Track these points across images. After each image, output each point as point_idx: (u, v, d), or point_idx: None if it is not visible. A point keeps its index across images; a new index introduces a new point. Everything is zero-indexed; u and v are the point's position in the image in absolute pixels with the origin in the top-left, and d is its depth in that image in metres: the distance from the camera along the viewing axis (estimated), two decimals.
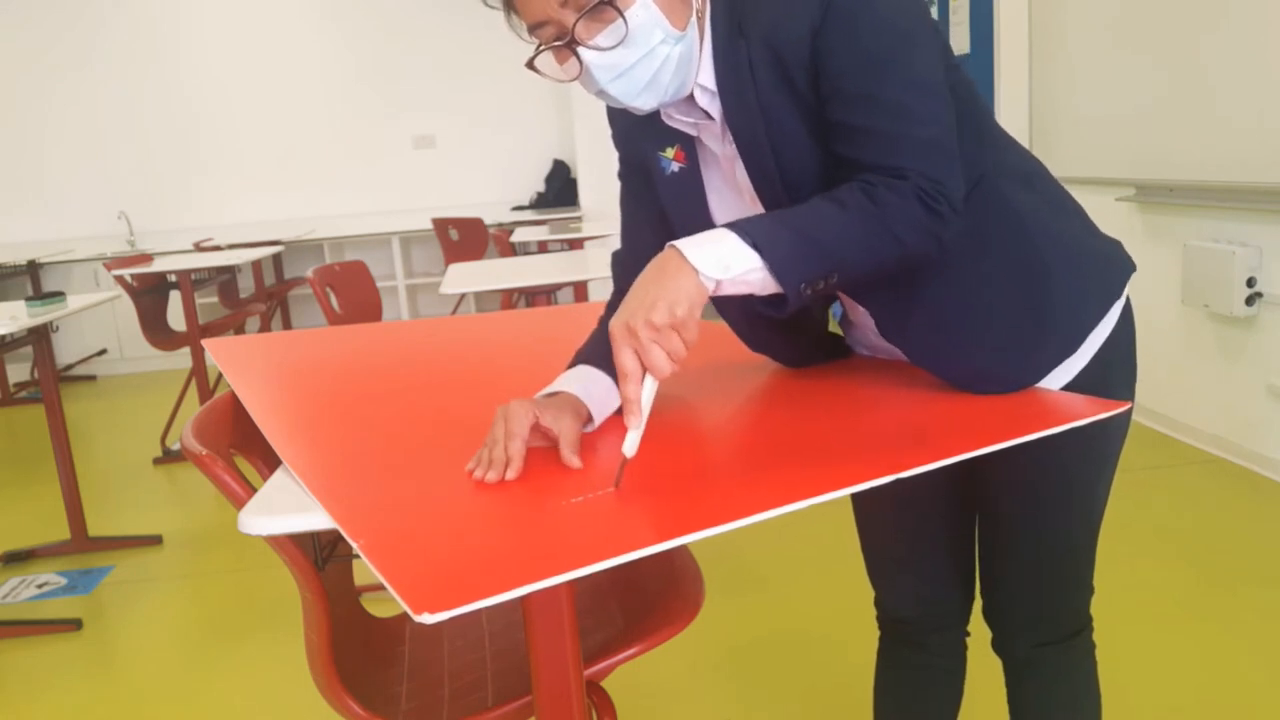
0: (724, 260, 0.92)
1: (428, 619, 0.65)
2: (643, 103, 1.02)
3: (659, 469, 0.93)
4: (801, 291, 0.95)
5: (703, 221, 1.15)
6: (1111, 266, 1.15)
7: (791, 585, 2.72)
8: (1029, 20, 4.44)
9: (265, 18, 6.87)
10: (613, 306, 1.25)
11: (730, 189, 1.13)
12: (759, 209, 1.09)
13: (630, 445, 0.90)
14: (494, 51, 6.84)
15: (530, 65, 1.01)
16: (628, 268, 1.25)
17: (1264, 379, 3.24)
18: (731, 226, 0.95)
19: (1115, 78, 3.83)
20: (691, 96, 1.06)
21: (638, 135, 1.18)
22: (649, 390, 0.91)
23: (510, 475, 0.93)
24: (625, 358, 0.90)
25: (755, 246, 0.93)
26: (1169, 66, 3.49)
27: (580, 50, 0.97)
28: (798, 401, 1.14)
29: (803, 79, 1.00)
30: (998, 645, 1.32)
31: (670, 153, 1.14)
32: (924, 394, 1.09)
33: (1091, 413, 0.98)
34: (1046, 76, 4.36)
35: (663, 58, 0.99)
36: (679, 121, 1.11)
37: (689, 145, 1.13)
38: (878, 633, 1.46)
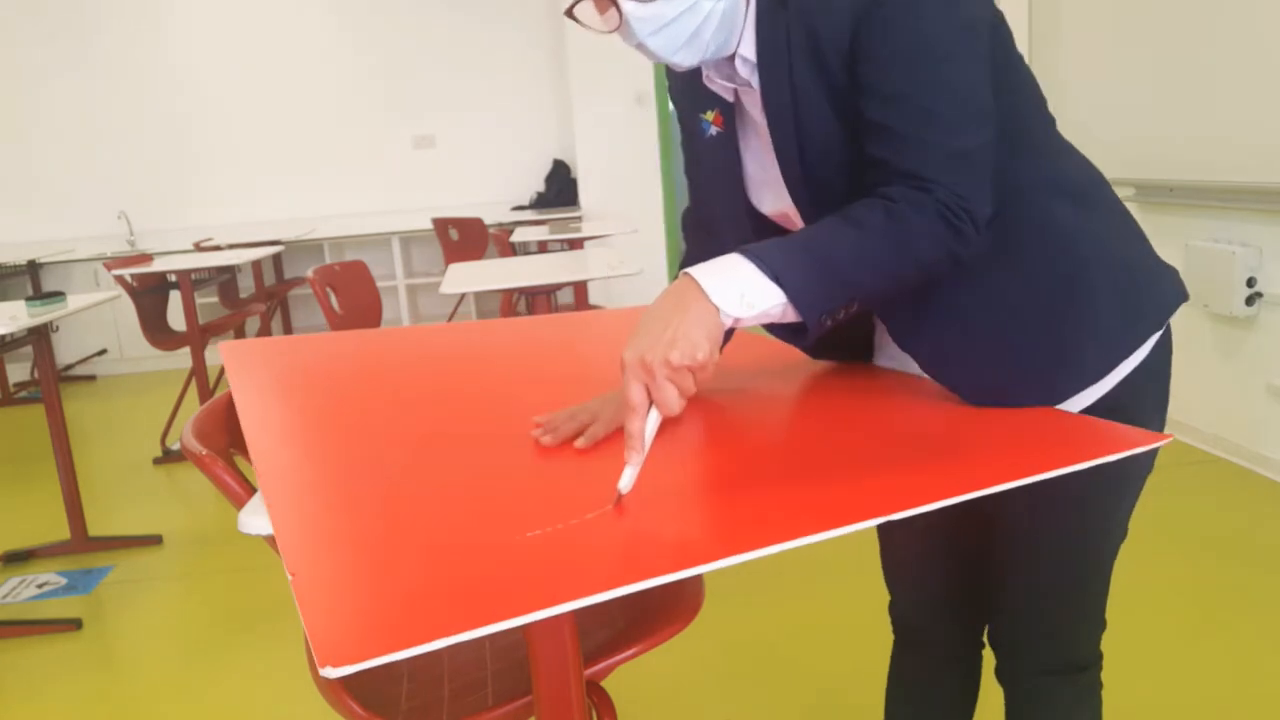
0: (745, 296, 0.89)
1: (330, 673, 0.60)
2: (682, 59, 0.99)
3: (645, 491, 0.88)
4: (822, 321, 0.93)
5: (736, 189, 1.12)
6: (1159, 296, 1.08)
7: (793, 585, 2.71)
8: (1029, 20, 4.44)
9: (265, 18, 6.87)
10: (682, 267, 1.23)
11: (769, 157, 1.08)
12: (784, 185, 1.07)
13: (627, 481, 0.85)
14: (495, 51, 6.85)
15: (569, 14, 0.97)
16: (695, 229, 1.26)
17: (1264, 379, 3.24)
18: (749, 254, 0.91)
19: (1115, 77, 3.83)
20: (733, 63, 1.04)
21: (686, 94, 1.15)
22: (652, 424, 0.88)
23: (581, 444, 1.01)
24: (634, 391, 0.86)
25: (776, 279, 0.89)
26: (1169, 66, 3.48)
27: (621, 1, 0.94)
28: (817, 418, 1.11)
29: (836, 62, 0.97)
30: (1000, 672, 1.27)
31: (710, 115, 1.12)
32: (953, 412, 1.04)
33: (1136, 444, 0.89)
34: (1046, 76, 4.35)
35: (705, 13, 0.96)
36: (719, 86, 1.08)
37: (728, 110, 1.10)
38: (881, 634, 1.46)
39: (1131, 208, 3.79)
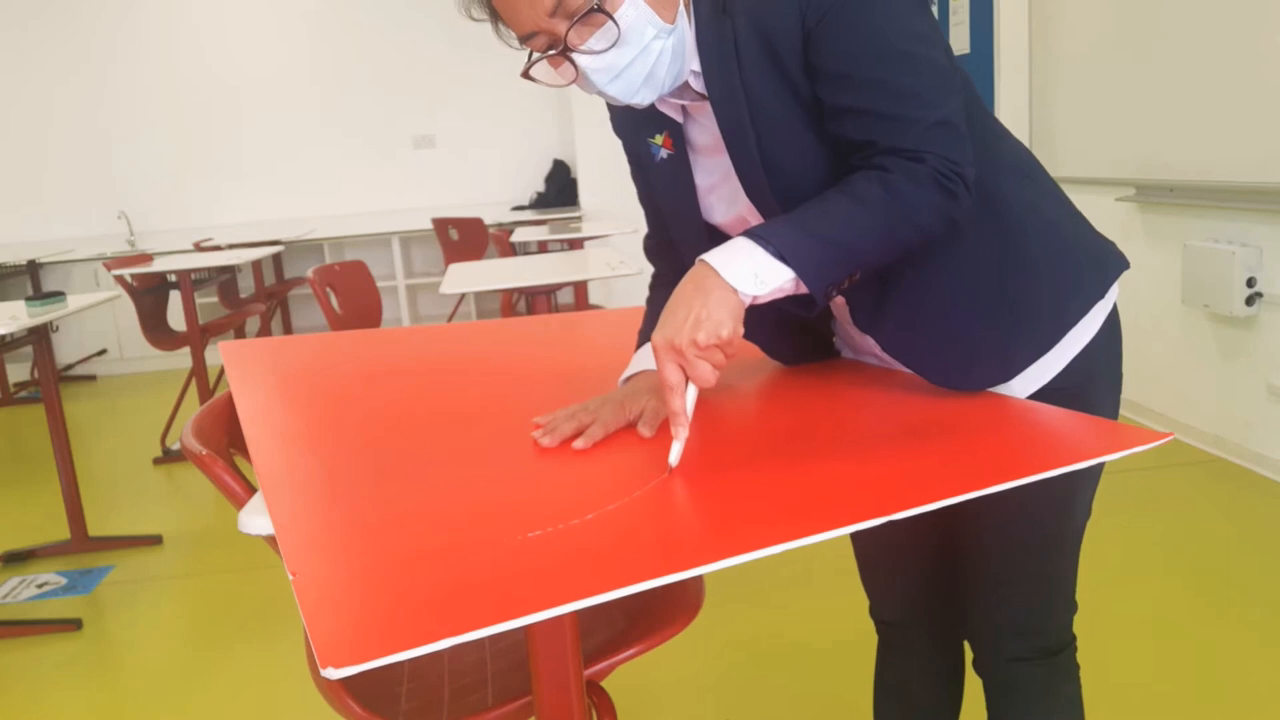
0: (759, 275, 0.93)
1: (332, 674, 0.60)
2: (642, 98, 1.02)
3: (644, 491, 0.88)
4: (828, 293, 0.97)
5: (692, 209, 1.15)
6: (1100, 263, 1.13)
7: (793, 585, 2.71)
8: (1029, 20, 4.44)
9: (265, 17, 6.87)
10: (654, 287, 1.28)
11: (717, 166, 1.12)
12: (744, 197, 1.09)
13: (675, 455, 0.92)
14: (494, 51, 6.82)
15: (526, 75, 1.01)
16: (660, 253, 1.28)
17: (1264, 379, 3.24)
18: (753, 236, 0.94)
19: (1115, 78, 3.83)
20: (685, 83, 1.07)
21: (630, 122, 1.18)
22: (691, 397, 0.93)
23: (580, 445, 1.01)
24: (670, 372, 0.92)
25: (782, 258, 0.93)
26: (1169, 66, 3.49)
27: (574, 56, 0.97)
28: (809, 416, 1.11)
29: (794, 62, 1.00)
30: (977, 663, 1.29)
31: (659, 139, 1.14)
32: (949, 407, 1.04)
33: (1136, 443, 0.88)
34: (1046, 76, 4.36)
35: (657, 53, 0.99)
36: (670, 105, 1.10)
37: (676, 130, 1.13)
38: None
39: (1131, 208, 3.80)
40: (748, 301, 0.93)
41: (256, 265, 5.98)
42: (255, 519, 0.91)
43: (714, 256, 0.94)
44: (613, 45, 0.96)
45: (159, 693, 2.41)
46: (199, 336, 4.39)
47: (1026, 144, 1.17)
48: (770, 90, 1.01)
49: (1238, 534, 2.83)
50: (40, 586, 3.13)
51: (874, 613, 1.43)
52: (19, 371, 6.43)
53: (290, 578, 0.75)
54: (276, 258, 6.63)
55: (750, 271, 0.93)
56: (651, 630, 1.31)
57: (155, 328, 4.50)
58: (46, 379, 3.32)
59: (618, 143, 1.24)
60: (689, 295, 0.93)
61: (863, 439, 1.00)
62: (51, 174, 6.88)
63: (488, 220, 6.13)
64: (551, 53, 0.98)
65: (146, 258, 4.97)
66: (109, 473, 4.32)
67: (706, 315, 0.91)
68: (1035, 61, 4.44)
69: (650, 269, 1.31)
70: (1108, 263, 1.14)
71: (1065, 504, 1.17)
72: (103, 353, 6.63)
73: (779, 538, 0.74)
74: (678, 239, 1.19)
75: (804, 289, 0.95)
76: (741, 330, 0.93)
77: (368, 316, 3.59)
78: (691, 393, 0.94)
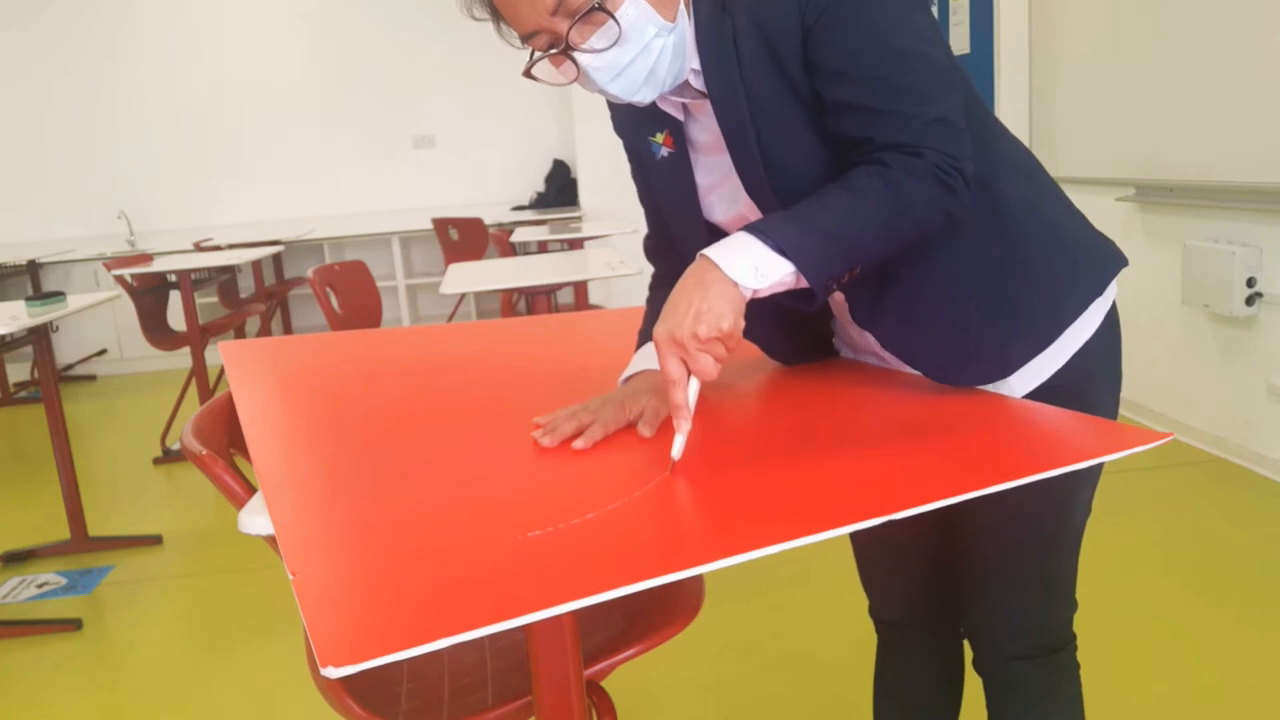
0: (759, 269, 0.93)
1: (332, 673, 0.60)
2: (643, 96, 1.03)
3: (644, 491, 0.88)
4: (829, 286, 0.97)
5: (693, 207, 1.15)
6: (1098, 261, 1.13)
7: (792, 585, 2.71)
8: (1029, 20, 4.44)
9: (265, 17, 6.87)
10: (653, 287, 1.29)
11: (717, 164, 1.12)
12: (745, 195, 1.09)
13: (678, 449, 0.93)
14: (494, 51, 6.82)
15: (528, 74, 1.01)
16: (660, 253, 1.28)
17: (1264, 379, 3.24)
18: (754, 231, 0.95)
19: (1115, 78, 3.83)
20: (685, 80, 1.07)
21: (631, 121, 1.18)
22: (693, 391, 0.94)
23: (580, 445, 1.01)
24: (672, 366, 0.93)
25: (781, 252, 0.93)
26: (1169, 66, 3.49)
27: (576, 54, 0.97)
28: (806, 415, 1.11)
29: (794, 61, 1.00)
30: (977, 662, 1.29)
31: (660, 138, 1.15)
32: (947, 406, 1.04)
33: (1136, 443, 0.88)
34: (1046, 76, 4.36)
35: (658, 51, 1.00)
36: (670, 103, 1.11)
37: (677, 128, 1.13)
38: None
39: (1131, 208, 3.80)
40: (748, 295, 0.94)
41: (256, 265, 5.98)
42: (255, 519, 0.91)
43: (714, 251, 0.95)
44: (614, 44, 0.97)
45: (159, 693, 2.41)
46: (199, 336, 4.39)
47: (1026, 144, 1.17)
48: (770, 88, 1.02)
49: (1238, 534, 2.83)
50: (40, 586, 3.13)
51: (873, 612, 1.44)
52: (19, 371, 6.43)
53: (290, 578, 0.75)
54: (276, 258, 6.62)
55: (750, 265, 0.93)
56: (651, 630, 1.31)
57: (155, 328, 4.50)
58: (46, 379, 3.32)
59: (618, 142, 1.24)
60: (690, 289, 0.93)
61: (863, 439, 1.00)
62: (51, 174, 6.88)
63: (488, 220, 6.12)
64: (553, 51, 0.98)
65: (146, 258, 4.97)
66: (109, 473, 4.32)
67: (707, 308, 0.91)
68: (1035, 61, 4.44)
69: (650, 269, 1.31)
70: (1106, 260, 1.14)
71: (1064, 504, 1.17)
72: (103, 353, 6.63)
73: (779, 537, 0.74)
74: (678, 238, 1.19)
75: (804, 283, 0.95)
76: (742, 323, 0.93)
77: (368, 316, 3.59)
78: (694, 386, 0.94)
